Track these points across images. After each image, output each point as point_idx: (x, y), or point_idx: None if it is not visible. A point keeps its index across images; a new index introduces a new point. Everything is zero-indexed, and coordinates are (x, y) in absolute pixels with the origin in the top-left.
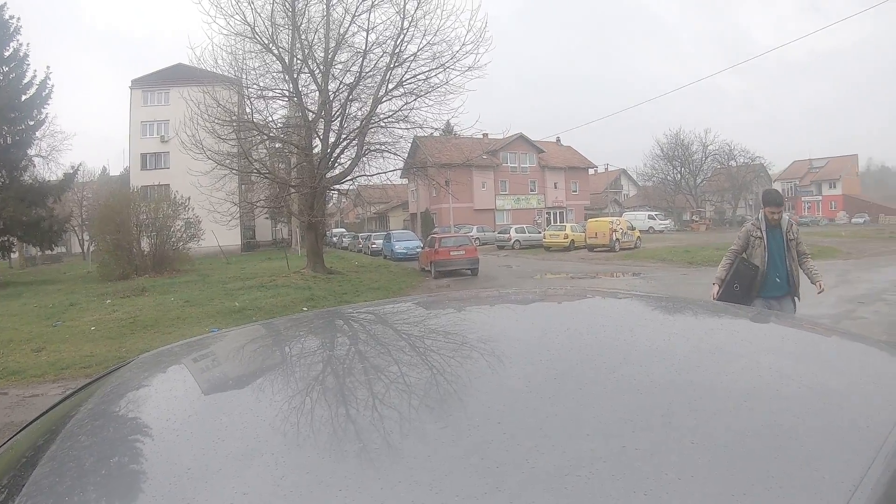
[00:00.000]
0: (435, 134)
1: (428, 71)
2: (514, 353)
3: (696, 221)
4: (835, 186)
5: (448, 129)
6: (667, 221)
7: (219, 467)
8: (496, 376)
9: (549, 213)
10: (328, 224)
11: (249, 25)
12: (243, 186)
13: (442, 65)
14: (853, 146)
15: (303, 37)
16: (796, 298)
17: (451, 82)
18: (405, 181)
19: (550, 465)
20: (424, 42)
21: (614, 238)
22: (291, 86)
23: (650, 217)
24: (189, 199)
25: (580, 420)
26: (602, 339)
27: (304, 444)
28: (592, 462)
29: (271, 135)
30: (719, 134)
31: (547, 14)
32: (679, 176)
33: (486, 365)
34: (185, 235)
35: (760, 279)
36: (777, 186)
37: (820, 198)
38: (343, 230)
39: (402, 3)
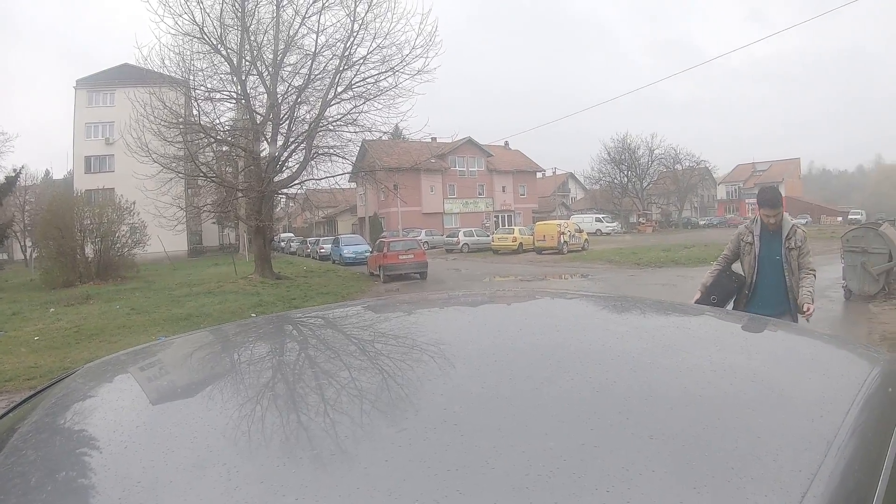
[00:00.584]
0: (384, 138)
1: (377, 74)
2: (469, 354)
3: (643, 223)
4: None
5: (397, 133)
6: (614, 224)
7: (170, 479)
8: (451, 378)
9: (497, 217)
10: (276, 229)
11: (198, 25)
12: (190, 191)
13: (391, 68)
14: (796, 150)
15: (252, 38)
16: (797, 317)
17: (400, 86)
18: (353, 185)
19: (509, 465)
20: (374, 45)
21: (562, 240)
22: (239, 88)
23: (597, 220)
24: (134, 203)
25: (538, 419)
26: (556, 338)
27: (257, 452)
28: (552, 460)
29: (218, 137)
30: (665, 138)
31: (497, 20)
32: (626, 179)
33: (440, 367)
34: (130, 241)
35: (749, 292)
36: (721, 189)
37: None
38: (291, 235)
39: (353, 5)
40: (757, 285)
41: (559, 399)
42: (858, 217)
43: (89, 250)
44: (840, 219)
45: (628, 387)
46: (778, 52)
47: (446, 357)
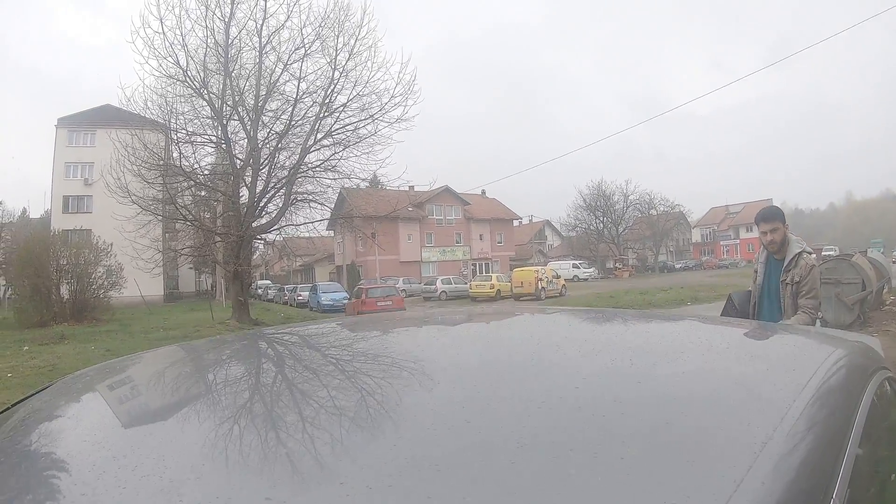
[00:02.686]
0: (362, 185)
1: (357, 121)
2: (444, 371)
3: (620, 269)
4: (751, 230)
5: (375, 181)
6: (591, 269)
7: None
8: (427, 395)
9: (474, 265)
10: (253, 275)
11: (182, 69)
12: (168, 234)
13: (371, 116)
14: (768, 191)
15: (234, 83)
16: None
17: (379, 133)
18: (331, 233)
19: (488, 477)
20: (354, 93)
21: (540, 287)
22: (220, 132)
23: (574, 266)
24: (111, 245)
25: (510, 436)
26: (520, 357)
27: (233, 472)
28: (532, 466)
29: (198, 181)
30: (640, 184)
31: (471, 73)
32: (601, 225)
33: (417, 384)
34: (106, 283)
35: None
36: (696, 233)
37: (738, 241)
38: (269, 282)
39: (334, 54)
40: (758, 317)
41: (527, 415)
42: (832, 253)
43: (64, 291)
44: (814, 255)
45: (595, 400)
46: (748, 101)
47: (424, 373)
